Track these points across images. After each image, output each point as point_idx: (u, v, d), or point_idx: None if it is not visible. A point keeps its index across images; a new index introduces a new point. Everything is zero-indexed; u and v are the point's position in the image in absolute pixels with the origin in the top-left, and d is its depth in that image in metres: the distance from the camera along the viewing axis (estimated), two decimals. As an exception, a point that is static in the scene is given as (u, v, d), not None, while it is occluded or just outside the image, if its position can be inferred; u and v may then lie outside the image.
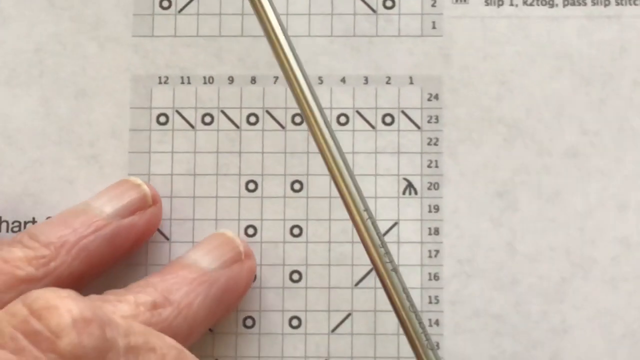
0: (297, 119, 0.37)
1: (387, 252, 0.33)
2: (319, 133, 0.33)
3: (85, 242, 0.33)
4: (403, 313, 0.33)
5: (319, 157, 0.36)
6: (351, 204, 0.33)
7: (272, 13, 0.34)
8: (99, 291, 0.33)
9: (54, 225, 0.33)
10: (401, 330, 0.35)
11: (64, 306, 0.27)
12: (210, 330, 0.36)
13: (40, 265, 0.32)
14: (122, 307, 0.31)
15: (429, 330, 0.35)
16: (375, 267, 0.33)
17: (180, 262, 0.34)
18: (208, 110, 0.37)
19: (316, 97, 0.34)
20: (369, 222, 0.33)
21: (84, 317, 0.27)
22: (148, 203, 0.35)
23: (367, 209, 0.33)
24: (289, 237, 0.36)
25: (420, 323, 0.33)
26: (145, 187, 0.35)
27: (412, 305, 0.33)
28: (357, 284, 0.36)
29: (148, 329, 0.29)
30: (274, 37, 0.34)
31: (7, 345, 0.27)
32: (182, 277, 0.33)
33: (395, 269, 0.33)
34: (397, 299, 0.33)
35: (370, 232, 0.33)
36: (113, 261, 0.33)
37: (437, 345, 0.35)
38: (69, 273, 0.32)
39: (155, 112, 0.37)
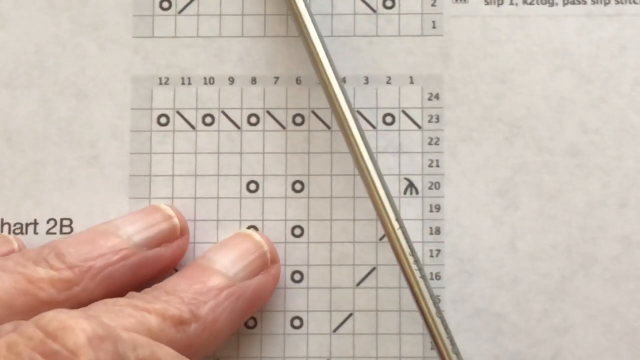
0: (298, 119, 0.37)
1: (417, 260, 0.34)
2: (351, 136, 0.34)
3: (111, 270, 0.33)
4: (430, 318, 0.33)
5: (320, 157, 0.36)
6: (383, 212, 0.34)
7: (307, 14, 0.34)
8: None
9: (81, 244, 0.33)
10: (403, 330, 0.35)
11: (78, 325, 0.27)
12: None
13: (63, 288, 0.32)
14: (150, 320, 0.31)
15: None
16: (404, 273, 0.33)
17: (208, 268, 0.34)
18: (209, 111, 0.37)
19: (348, 98, 0.35)
20: (399, 232, 0.34)
21: (97, 334, 0.27)
22: (176, 235, 0.35)
23: (398, 219, 0.33)
24: (290, 238, 0.36)
25: (446, 328, 0.33)
26: (176, 219, 0.35)
27: (439, 310, 0.33)
28: (358, 283, 0.36)
29: (149, 340, 0.30)
30: (308, 37, 0.35)
31: None
32: (210, 288, 0.33)
33: (423, 277, 0.33)
34: (425, 306, 0.33)
35: (400, 240, 0.33)
36: (133, 289, 0.33)
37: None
38: (89, 299, 0.32)
39: (156, 113, 0.37)
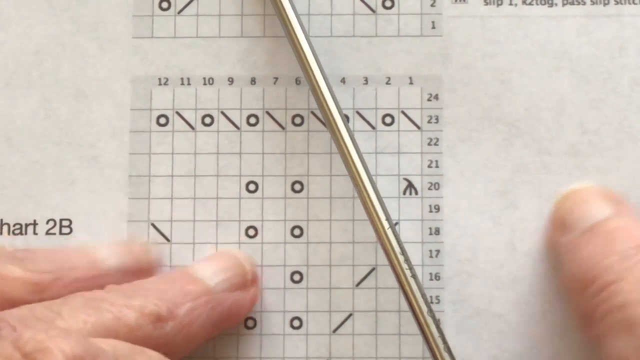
0: (297, 120, 0.37)
1: (407, 259, 0.34)
2: (339, 136, 0.34)
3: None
4: (421, 317, 0.33)
5: (319, 158, 0.36)
6: (372, 211, 0.34)
7: (293, 14, 0.35)
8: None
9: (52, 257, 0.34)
10: (402, 331, 0.35)
11: (56, 347, 0.27)
12: (211, 331, 0.36)
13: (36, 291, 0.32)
14: (129, 315, 0.31)
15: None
16: (395, 272, 0.33)
17: (190, 275, 0.34)
18: (208, 111, 0.37)
19: (336, 99, 0.35)
20: (389, 231, 0.34)
21: (75, 354, 0.27)
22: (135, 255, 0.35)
23: (388, 218, 0.34)
24: (289, 238, 0.36)
25: (438, 327, 0.33)
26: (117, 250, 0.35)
27: (430, 309, 0.33)
28: (358, 284, 0.36)
29: (131, 346, 0.30)
30: (295, 38, 0.35)
31: None
32: (189, 292, 0.33)
33: (414, 276, 0.33)
34: (416, 305, 0.33)
35: (389, 238, 0.33)
36: None
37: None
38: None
39: (156, 114, 0.37)
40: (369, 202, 0.34)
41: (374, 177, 0.36)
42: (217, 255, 0.35)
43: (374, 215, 0.34)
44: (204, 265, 0.35)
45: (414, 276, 0.34)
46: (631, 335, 0.31)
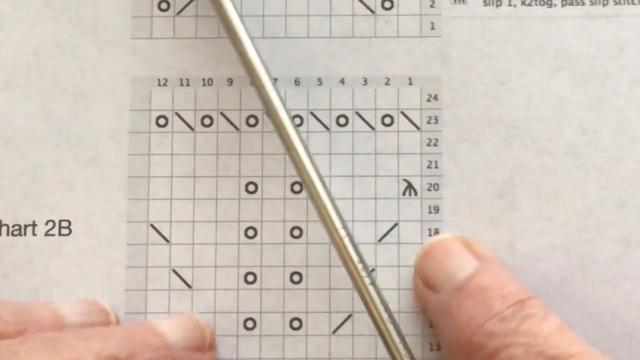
0: (296, 121, 0.37)
1: (365, 267, 0.34)
2: (287, 140, 0.34)
3: None
4: (382, 325, 0.33)
5: (318, 159, 0.36)
6: (327, 220, 0.34)
7: (234, 13, 0.35)
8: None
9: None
10: (402, 332, 0.35)
11: None
12: (211, 332, 0.36)
13: None
14: (87, 358, 0.31)
15: (429, 331, 0.35)
16: (355, 284, 0.34)
17: (151, 327, 0.34)
18: (207, 112, 0.37)
19: (282, 100, 0.34)
20: (346, 240, 0.33)
21: None
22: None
23: (345, 227, 0.34)
24: (289, 239, 0.36)
25: (399, 334, 0.33)
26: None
27: (390, 315, 0.33)
28: (357, 285, 0.36)
29: None
30: (235, 38, 0.35)
31: None
32: (149, 344, 0.33)
33: (373, 283, 0.33)
34: (375, 311, 0.33)
35: (347, 248, 0.33)
36: None
37: (438, 346, 0.35)
38: None
39: (155, 114, 0.37)
40: (323, 209, 0.34)
41: (373, 178, 0.36)
42: (179, 316, 0.35)
43: (329, 223, 0.34)
44: (165, 322, 0.35)
45: (373, 284, 0.33)
46: None
